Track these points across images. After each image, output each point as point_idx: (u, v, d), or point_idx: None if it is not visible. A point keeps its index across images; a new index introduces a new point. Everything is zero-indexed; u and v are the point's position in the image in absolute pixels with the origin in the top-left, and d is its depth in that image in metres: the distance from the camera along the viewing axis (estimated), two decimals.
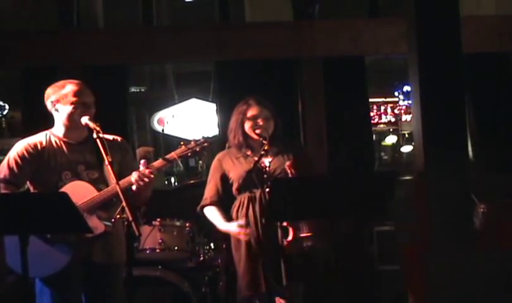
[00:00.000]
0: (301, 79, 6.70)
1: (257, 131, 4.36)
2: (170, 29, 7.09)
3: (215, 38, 6.58)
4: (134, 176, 3.80)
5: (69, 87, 3.94)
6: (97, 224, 3.79)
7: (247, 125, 4.40)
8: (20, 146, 3.96)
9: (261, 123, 4.36)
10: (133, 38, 6.56)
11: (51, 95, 3.97)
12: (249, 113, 4.42)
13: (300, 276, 4.21)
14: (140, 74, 10.04)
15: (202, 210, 4.53)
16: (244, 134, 4.41)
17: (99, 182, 3.95)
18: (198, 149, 4.01)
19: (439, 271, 3.63)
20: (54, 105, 3.95)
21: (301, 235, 4.16)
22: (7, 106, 6.93)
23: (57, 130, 4.01)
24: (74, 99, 3.90)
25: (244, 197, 4.33)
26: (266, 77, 6.60)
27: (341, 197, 3.48)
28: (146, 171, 3.83)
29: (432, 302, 3.64)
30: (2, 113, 6.83)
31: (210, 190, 4.50)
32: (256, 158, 4.26)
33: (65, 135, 3.98)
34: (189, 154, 4.03)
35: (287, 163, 4.21)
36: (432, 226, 3.69)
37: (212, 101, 8.50)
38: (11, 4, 7.26)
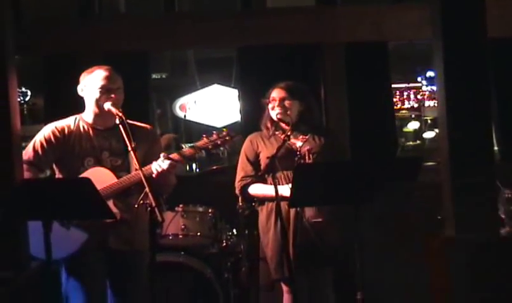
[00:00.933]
0: (323, 65, 6.66)
1: (276, 114, 4.39)
2: (192, 15, 7.08)
3: (236, 25, 6.56)
4: (155, 166, 3.80)
5: (96, 72, 3.96)
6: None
7: (270, 107, 4.42)
8: (48, 130, 3.99)
9: (280, 105, 4.38)
10: (155, 25, 6.56)
11: (82, 80, 4.01)
12: (272, 95, 4.45)
13: (309, 262, 4.23)
14: (160, 60, 10.04)
15: (242, 191, 4.53)
16: (271, 116, 4.41)
17: (121, 170, 3.96)
18: (219, 143, 3.98)
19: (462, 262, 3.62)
20: (83, 90, 4.00)
21: (312, 220, 4.18)
22: (29, 93, 6.97)
23: (87, 116, 4.04)
24: (100, 84, 3.92)
25: (270, 180, 4.32)
26: (288, 63, 6.58)
27: (363, 183, 3.47)
28: (165, 165, 3.82)
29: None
30: (24, 100, 6.87)
31: (245, 169, 4.51)
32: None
33: (94, 120, 4.01)
34: (209, 147, 3.98)
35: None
36: (458, 214, 3.68)
37: (234, 87, 8.49)
38: None
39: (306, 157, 4.26)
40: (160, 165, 3.80)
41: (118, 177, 3.89)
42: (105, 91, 3.92)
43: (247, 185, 4.49)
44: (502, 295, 3.61)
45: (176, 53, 9.97)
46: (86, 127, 4.00)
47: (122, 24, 6.60)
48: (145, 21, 6.64)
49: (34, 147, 3.95)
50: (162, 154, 3.87)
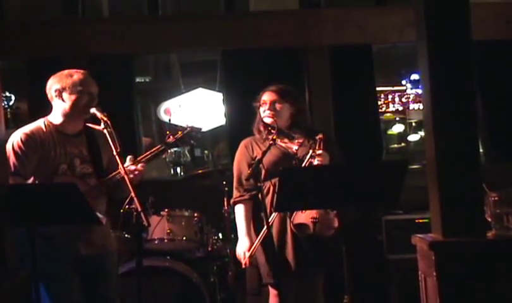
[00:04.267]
0: (308, 68, 6.68)
1: (264, 118, 4.37)
2: (176, 18, 7.08)
3: (220, 28, 6.58)
4: (122, 170, 3.70)
5: (75, 76, 3.91)
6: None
7: (261, 111, 4.41)
8: (22, 135, 3.86)
9: (271, 108, 4.35)
10: (138, 28, 6.56)
11: (56, 83, 3.93)
12: (262, 98, 4.42)
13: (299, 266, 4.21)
14: (144, 64, 10.02)
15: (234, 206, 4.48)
16: (263, 120, 4.41)
17: (92, 177, 3.95)
18: (185, 139, 3.99)
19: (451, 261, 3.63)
20: (58, 94, 3.91)
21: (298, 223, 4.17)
22: (13, 97, 6.94)
23: (55, 119, 3.96)
24: (80, 88, 3.88)
25: (268, 185, 4.29)
26: (272, 66, 6.58)
27: (349, 187, 3.48)
28: (133, 167, 3.82)
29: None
30: (8, 104, 6.84)
31: (238, 182, 4.42)
32: (282, 144, 4.31)
33: (62, 125, 3.95)
34: (178, 144, 4.00)
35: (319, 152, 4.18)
36: (445, 215, 3.69)
37: (218, 91, 8.49)
38: None
39: (305, 161, 4.23)
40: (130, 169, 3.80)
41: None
42: (86, 95, 3.88)
43: (235, 203, 4.42)
44: (490, 295, 3.63)
45: (160, 57, 9.97)
46: (55, 131, 3.92)
47: (105, 27, 6.59)
48: (129, 23, 6.63)
49: (15, 155, 3.81)
50: (128, 158, 3.87)
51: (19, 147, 3.83)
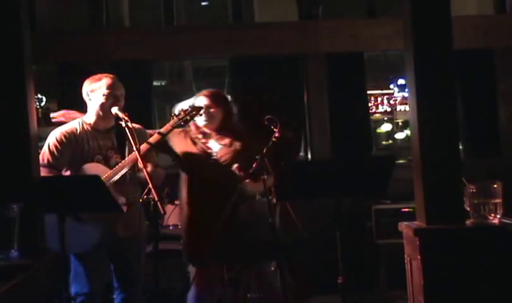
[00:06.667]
0: (307, 73, 6.69)
1: (198, 121, 4.16)
2: (189, 28, 7.08)
3: (228, 37, 6.59)
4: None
5: (103, 80, 3.95)
6: (115, 196, 3.78)
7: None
8: (58, 133, 3.95)
9: (205, 113, 4.12)
10: (156, 37, 6.57)
11: (88, 86, 3.98)
12: (197, 103, 4.19)
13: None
14: (160, 69, 10.01)
15: None
16: (196, 122, 4.19)
17: None
18: (188, 118, 3.98)
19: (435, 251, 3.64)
20: (89, 95, 3.97)
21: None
22: (44, 98, 6.96)
23: (89, 118, 4.00)
24: (106, 91, 3.91)
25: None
26: (274, 72, 6.62)
27: (344, 179, 3.48)
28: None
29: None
30: (39, 105, 6.86)
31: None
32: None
33: (95, 122, 3.98)
34: (182, 124, 4.00)
35: (235, 166, 4.03)
36: (428, 205, 3.70)
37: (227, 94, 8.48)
38: (46, 7, 7.26)
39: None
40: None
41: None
42: (111, 97, 3.91)
43: None
44: (468, 276, 3.64)
45: (175, 63, 9.96)
46: (89, 128, 3.98)
47: (127, 36, 6.61)
48: (147, 33, 6.65)
49: (50, 150, 3.91)
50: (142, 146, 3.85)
51: (54, 144, 3.91)
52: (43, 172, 3.84)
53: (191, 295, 4.14)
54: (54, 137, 3.95)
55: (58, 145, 3.91)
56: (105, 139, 3.97)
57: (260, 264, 4.21)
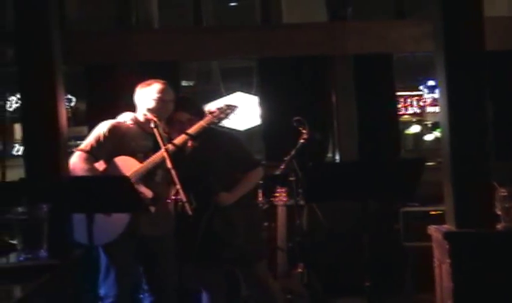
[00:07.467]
0: (335, 74, 6.66)
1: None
2: (217, 29, 7.08)
3: (256, 38, 6.57)
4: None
5: (154, 86, 4.04)
6: (144, 190, 3.82)
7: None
8: (108, 125, 4.01)
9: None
10: (184, 37, 6.57)
11: (139, 90, 4.08)
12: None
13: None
14: (188, 69, 10.04)
15: None
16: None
17: None
18: (222, 116, 4.05)
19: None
20: (140, 99, 4.06)
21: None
22: (74, 99, 7.02)
23: (140, 117, 4.07)
24: (156, 96, 3.99)
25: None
26: (302, 72, 6.58)
27: (372, 181, 3.43)
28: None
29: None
30: (69, 105, 6.93)
31: None
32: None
33: (142, 123, 4.05)
34: (215, 121, 4.05)
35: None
36: (458, 208, 3.65)
37: (254, 95, 8.47)
38: (75, 8, 7.31)
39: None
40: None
41: None
42: (159, 102, 3.99)
43: None
44: (498, 281, 3.58)
45: (203, 63, 9.98)
46: (138, 127, 4.05)
47: (156, 37, 6.62)
48: (176, 34, 6.65)
49: (94, 138, 3.96)
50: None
51: (99, 134, 3.97)
52: (81, 158, 3.88)
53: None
54: (103, 127, 4.00)
55: (103, 136, 3.96)
56: (148, 140, 4.01)
57: (243, 268, 4.28)
